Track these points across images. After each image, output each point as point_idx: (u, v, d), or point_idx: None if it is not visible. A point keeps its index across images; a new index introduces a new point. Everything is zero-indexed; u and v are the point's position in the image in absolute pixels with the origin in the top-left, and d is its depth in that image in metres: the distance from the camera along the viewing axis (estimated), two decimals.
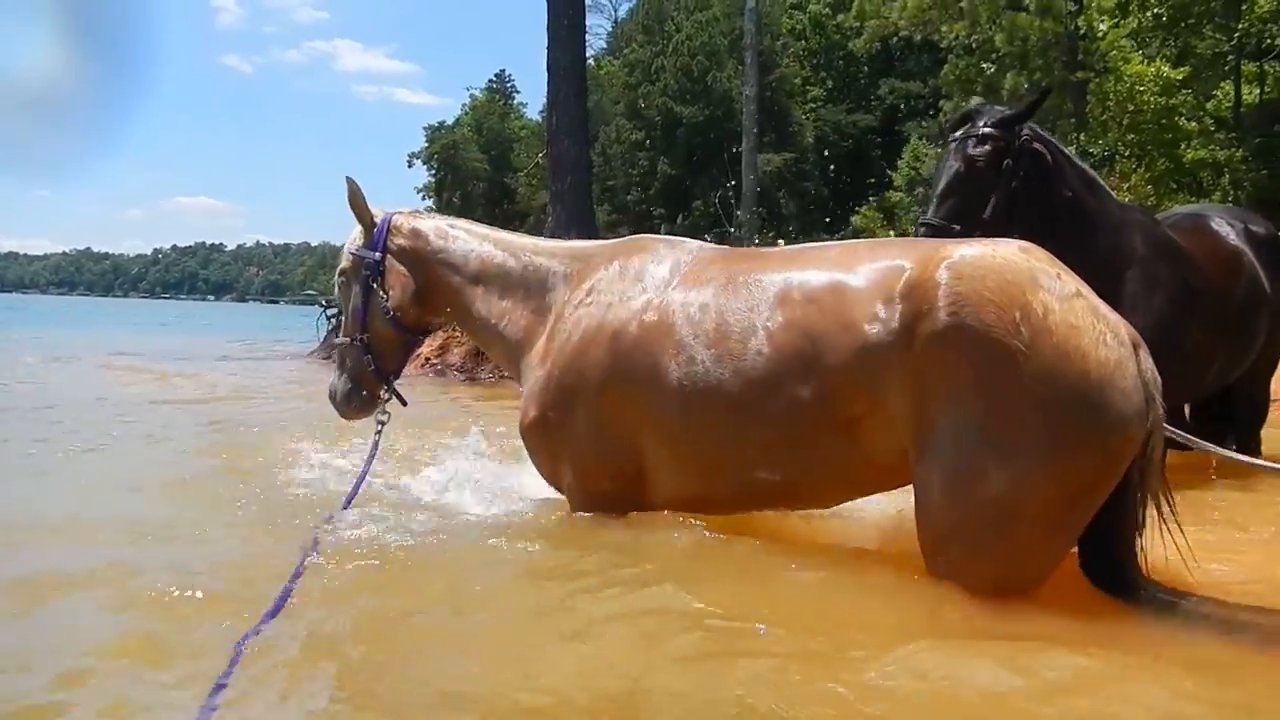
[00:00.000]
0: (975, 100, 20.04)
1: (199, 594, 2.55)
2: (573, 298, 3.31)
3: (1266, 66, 18.87)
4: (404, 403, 3.81)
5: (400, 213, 3.77)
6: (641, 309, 3.07)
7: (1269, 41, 18.14)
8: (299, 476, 4.24)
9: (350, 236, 3.77)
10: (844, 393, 2.63)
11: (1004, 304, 2.39)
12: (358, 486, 3.51)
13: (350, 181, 3.65)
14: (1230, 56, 18.50)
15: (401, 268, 3.65)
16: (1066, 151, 4.71)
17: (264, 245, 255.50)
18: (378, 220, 3.70)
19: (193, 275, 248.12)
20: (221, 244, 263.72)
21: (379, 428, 3.73)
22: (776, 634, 2.30)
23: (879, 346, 2.56)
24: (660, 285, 3.11)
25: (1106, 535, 2.53)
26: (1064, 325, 2.36)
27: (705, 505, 3.04)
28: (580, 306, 3.24)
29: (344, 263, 3.76)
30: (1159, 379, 2.48)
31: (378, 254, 3.62)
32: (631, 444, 3.05)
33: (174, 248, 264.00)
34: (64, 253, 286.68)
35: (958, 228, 4.15)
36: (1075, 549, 2.58)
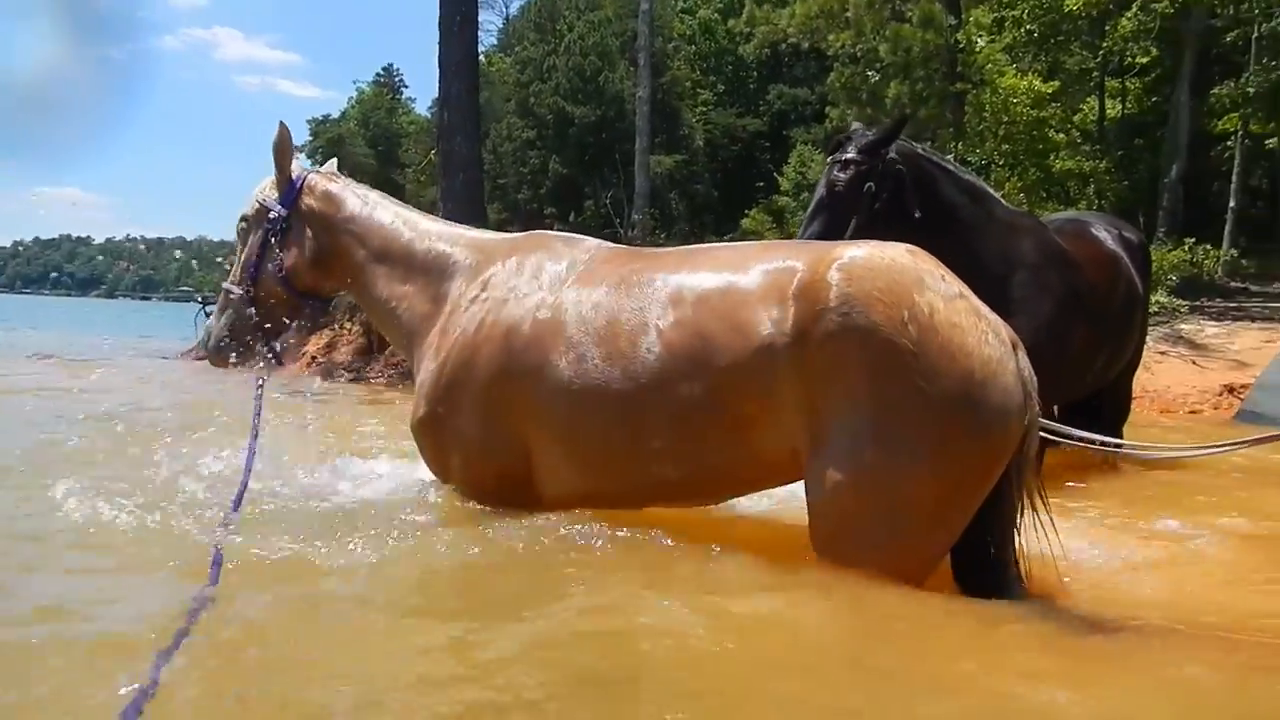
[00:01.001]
0: (865, 108, 20.67)
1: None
2: (468, 290, 3.30)
3: (1128, 83, 20.07)
4: (280, 362, 3.77)
5: (318, 172, 3.74)
6: (535, 306, 3.07)
7: (1130, 59, 19.29)
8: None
9: (262, 184, 3.68)
10: (736, 393, 2.66)
11: (892, 303, 2.45)
12: (246, 478, 3.23)
13: (282, 126, 3.60)
14: (1095, 73, 19.60)
15: (307, 229, 3.60)
16: (947, 164, 4.87)
17: (136, 239, 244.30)
18: (295, 175, 3.64)
19: (56, 269, 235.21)
20: (89, 237, 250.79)
21: (257, 391, 3.57)
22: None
23: (771, 347, 2.59)
24: (555, 283, 3.11)
25: (983, 532, 2.59)
26: (949, 324, 2.44)
27: (595, 501, 3.05)
28: (475, 301, 3.24)
29: (248, 208, 3.67)
30: (1035, 378, 2.56)
31: (284, 210, 3.58)
32: (520, 442, 3.05)
33: (36, 240, 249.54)
34: None
35: None
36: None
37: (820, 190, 4.61)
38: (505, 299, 3.15)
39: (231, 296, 3.62)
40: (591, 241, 3.38)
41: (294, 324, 3.77)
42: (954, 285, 2.56)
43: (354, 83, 46.68)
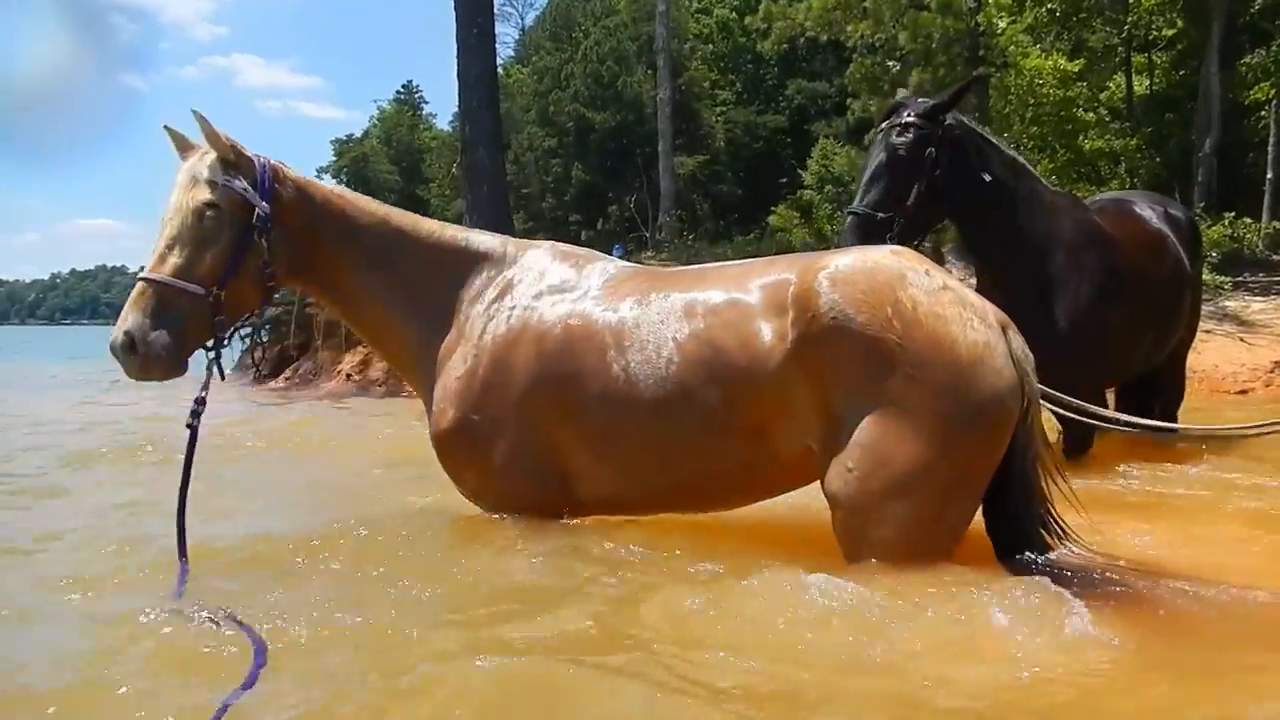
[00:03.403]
0: (887, 98, 20.44)
1: None
2: (487, 293, 3.28)
3: (1155, 57, 19.69)
4: (222, 376, 3.14)
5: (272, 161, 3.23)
6: (567, 314, 3.12)
7: (1156, 33, 18.93)
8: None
9: (200, 159, 3.07)
10: (750, 398, 2.82)
11: (876, 303, 2.64)
12: (182, 514, 2.98)
13: (194, 112, 3.04)
14: (1120, 49, 19.25)
15: (285, 227, 3.14)
16: (993, 139, 4.77)
17: None
18: (256, 160, 3.12)
19: (94, 299, 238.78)
20: (124, 266, 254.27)
21: (194, 416, 3.07)
22: None
23: (776, 354, 2.77)
24: (582, 294, 3.17)
25: (1007, 507, 2.79)
26: (932, 316, 2.62)
27: (621, 508, 3.18)
28: (500, 305, 3.23)
29: (213, 194, 3.00)
30: (1030, 355, 2.73)
31: (266, 207, 3.06)
32: (555, 447, 3.08)
33: (72, 272, 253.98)
34: None
35: (882, 215, 4.22)
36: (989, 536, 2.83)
37: (879, 155, 4.42)
38: (533, 304, 3.18)
39: (185, 296, 2.92)
40: (612, 259, 3.46)
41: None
42: (937, 278, 2.73)
43: (374, 101, 47.22)
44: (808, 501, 3.09)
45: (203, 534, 3.19)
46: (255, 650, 2.15)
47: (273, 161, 3.19)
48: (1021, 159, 4.87)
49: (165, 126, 3.18)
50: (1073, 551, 2.83)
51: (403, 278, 3.32)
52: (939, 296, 2.66)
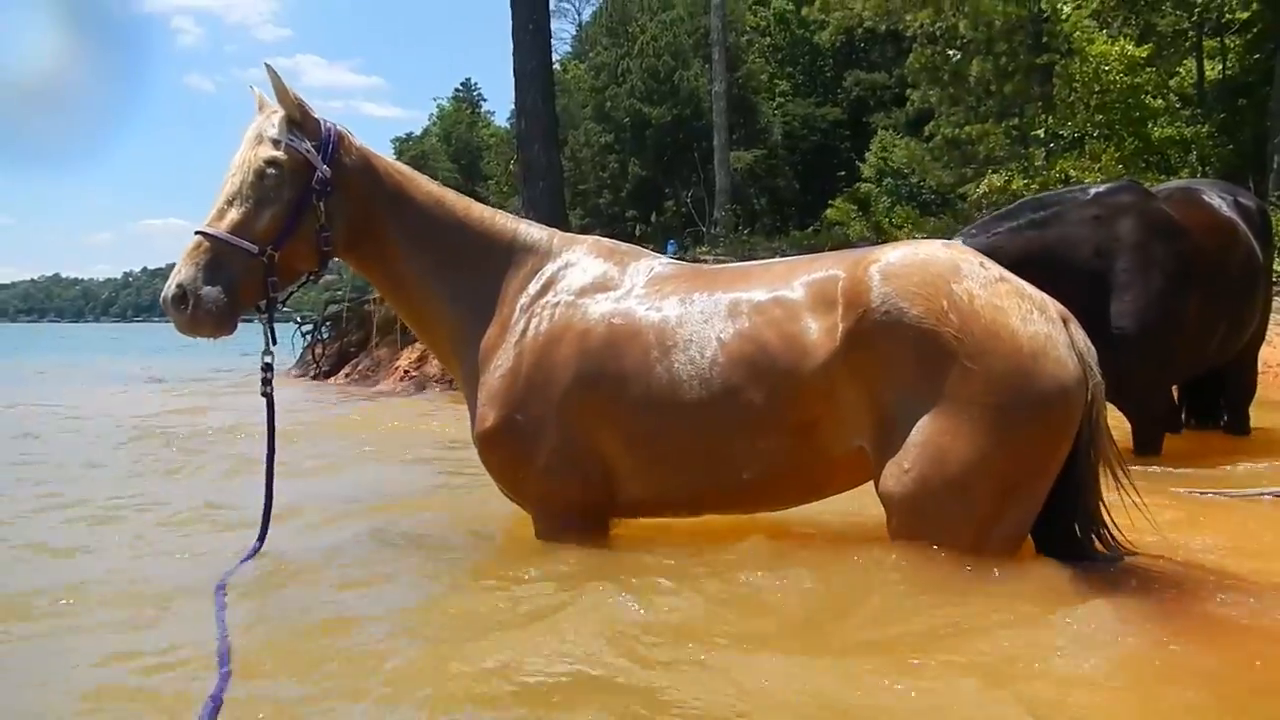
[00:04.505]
0: (947, 89, 20.12)
1: None
2: (530, 286, 3.17)
3: (1227, 41, 19.05)
4: (274, 340, 3.16)
5: (339, 127, 3.18)
6: (610, 313, 3.03)
7: (1228, 16, 18.32)
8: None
9: (268, 117, 3.06)
10: (796, 397, 2.75)
11: (931, 295, 2.58)
12: (269, 485, 3.18)
13: (266, 66, 3.01)
14: (1191, 33, 18.66)
15: (344, 194, 3.09)
16: None
17: None
18: (322, 124, 3.09)
19: None
20: None
21: (267, 376, 3.16)
22: None
23: (823, 352, 2.70)
24: (625, 292, 3.09)
25: (1062, 507, 2.66)
26: (990, 307, 2.55)
27: (666, 509, 3.11)
28: (543, 300, 3.12)
29: (277, 151, 2.98)
30: (1093, 349, 2.62)
31: (327, 171, 3.02)
32: (599, 448, 2.99)
33: (144, 270, 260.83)
34: (32, 280, 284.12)
35: None
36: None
37: None
38: (576, 301, 3.08)
39: (241, 255, 2.89)
40: (657, 256, 3.35)
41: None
42: (994, 270, 2.66)
43: (434, 100, 47.79)
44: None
45: None
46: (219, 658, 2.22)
47: (339, 128, 3.14)
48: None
49: (251, 86, 3.21)
50: (1121, 555, 2.70)
51: (450, 261, 3.22)
52: (996, 288, 2.59)
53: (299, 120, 3.03)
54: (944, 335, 2.53)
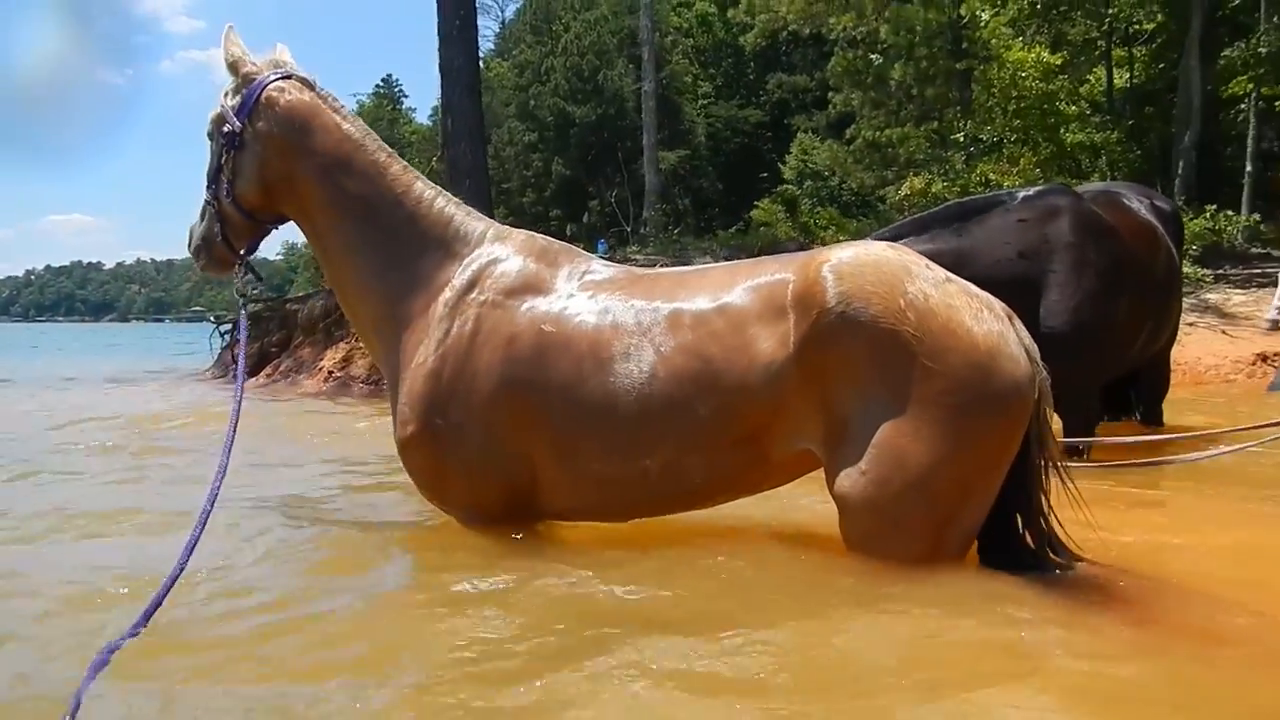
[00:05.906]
0: (869, 92, 20.49)
1: None
2: (457, 279, 3.04)
3: (1135, 51, 19.78)
4: (259, 278, 3.41)
5: (286, 80, 3.16)
6: (539, 318, 2.91)
7: (1136, 26, 19.03)
8: None
9: (232, 81, 3.22)
10: (744, 409, 2.69)
11: (887, 294, 2.54)
12: (233, 429, 2.79)
13: (226, 28, 3.24)
14: (1100, 42, 19.34)
15: (260, 151, 3.11)
16: None
17: (145, 262, 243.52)
18: (255, 78, 3.14)
19: (69, 296, 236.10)
20: (99, 262, 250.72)
21: (242, 304, 3.34)
22: None
23: (776, 362, 2.63)
24: (557, 296, 2.97)
25: (1007, 507, 2.64)
26: (945, 306, 2.54)
27: (597, 515, 3.05)
28: (470, 297, 2.99)
29: (215, 109, 3.19)
30: (1035, 345, 2.63)
31: (239, 125, 3.09)
32: (526, 456, 2.90)
33: (48, 268, 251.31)
34: None
35: None
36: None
37: None
38: (505, 303, 2.96)
39: (206, 204, 3.24)
40: (594, 259, 3.22)
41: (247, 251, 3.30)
42: (939, 272, 2.66)
43: (353, 95, 46.66)
44: None
45: None
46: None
47: (283, 84, 3.15)
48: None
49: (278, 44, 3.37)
50: (1069, 558, 2.68)
51: (380, 240, 3.12)
52: (946, 288, 2.59)
53: (238, 77, 3.18)
54: (903, 334, 2.49)
